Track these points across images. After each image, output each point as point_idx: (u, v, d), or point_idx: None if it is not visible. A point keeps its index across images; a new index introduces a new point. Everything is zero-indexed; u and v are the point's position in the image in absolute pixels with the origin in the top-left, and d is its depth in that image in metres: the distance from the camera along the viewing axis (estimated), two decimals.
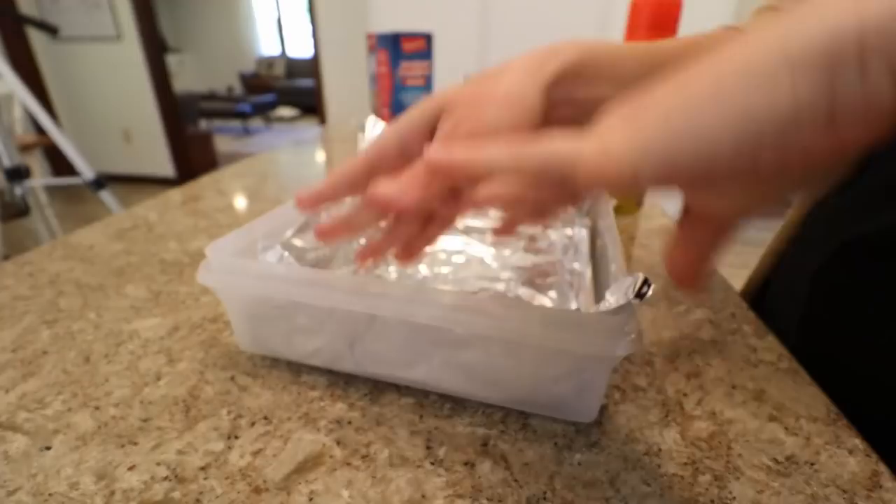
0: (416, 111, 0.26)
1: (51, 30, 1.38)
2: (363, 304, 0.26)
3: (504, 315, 0.24)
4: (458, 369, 0.27)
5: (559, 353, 0.24)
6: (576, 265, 0.42)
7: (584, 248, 0.41)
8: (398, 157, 0.25)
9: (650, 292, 0.22)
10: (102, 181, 1.48)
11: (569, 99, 0.25)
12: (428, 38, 0.73)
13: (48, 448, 0.25)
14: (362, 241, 0.43)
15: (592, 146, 0.16)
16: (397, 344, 0.28)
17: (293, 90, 5.93)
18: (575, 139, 0.17)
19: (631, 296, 0.22)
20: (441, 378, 0.28)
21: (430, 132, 0.25)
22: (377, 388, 0.30)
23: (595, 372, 0.25)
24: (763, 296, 0.45)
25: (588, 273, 0.38)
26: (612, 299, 0.25)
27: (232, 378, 0.31)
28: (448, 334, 0.26)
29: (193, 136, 3.56)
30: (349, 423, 0.27)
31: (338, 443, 0.26)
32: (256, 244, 0.33)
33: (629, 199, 0.39)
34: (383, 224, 0.27)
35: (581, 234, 0.45)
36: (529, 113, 0.23)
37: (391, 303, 0.26)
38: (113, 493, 0.23)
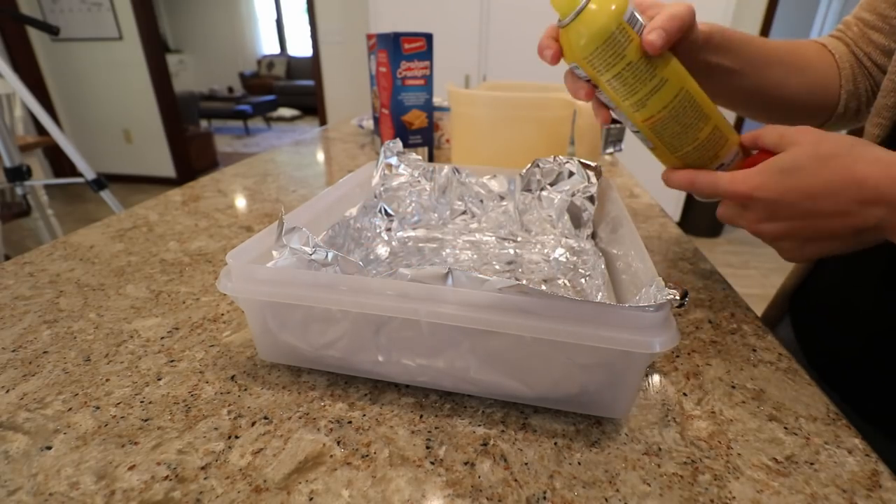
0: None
1: (51, 30, 1.38)
2: (389, 307, 0.26)
3: (538, 311, 0.24)
4: (486, 357, 0.27)
5: (595, 347, 0.24)
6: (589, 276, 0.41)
7: (601, 265, 0.40)
8: None
9: (686, 302, 0.23)
10: (103, 181, 1.48)
11: (703, 60, 0.36)
12: (428, 38, 0.73)
13: (48, 448, 0.25)
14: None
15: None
16: (426, 328, 0.27)
17: (293, 90, 5.93)
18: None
19: (666, 298, 0.23)
20: (467, 367, 0.27)
21: None
22: (377, 388, 0.30)
23: (631, 367, 0.25)
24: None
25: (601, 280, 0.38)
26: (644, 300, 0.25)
27: (232, 378, 0.31)
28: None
29: (193, 136, 3.56)
30: (349, 422, 0.27)
31: (338, 442, 0.26)
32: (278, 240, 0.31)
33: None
34: None
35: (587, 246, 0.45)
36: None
37: (417, 304, 0.25)
38: (113, 492, 0.23)
